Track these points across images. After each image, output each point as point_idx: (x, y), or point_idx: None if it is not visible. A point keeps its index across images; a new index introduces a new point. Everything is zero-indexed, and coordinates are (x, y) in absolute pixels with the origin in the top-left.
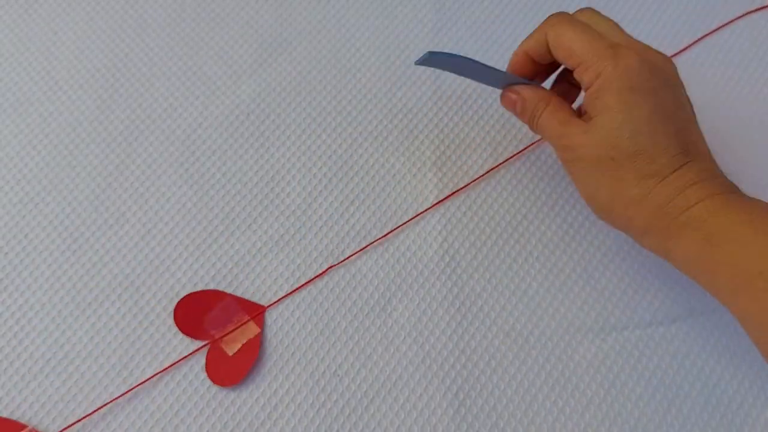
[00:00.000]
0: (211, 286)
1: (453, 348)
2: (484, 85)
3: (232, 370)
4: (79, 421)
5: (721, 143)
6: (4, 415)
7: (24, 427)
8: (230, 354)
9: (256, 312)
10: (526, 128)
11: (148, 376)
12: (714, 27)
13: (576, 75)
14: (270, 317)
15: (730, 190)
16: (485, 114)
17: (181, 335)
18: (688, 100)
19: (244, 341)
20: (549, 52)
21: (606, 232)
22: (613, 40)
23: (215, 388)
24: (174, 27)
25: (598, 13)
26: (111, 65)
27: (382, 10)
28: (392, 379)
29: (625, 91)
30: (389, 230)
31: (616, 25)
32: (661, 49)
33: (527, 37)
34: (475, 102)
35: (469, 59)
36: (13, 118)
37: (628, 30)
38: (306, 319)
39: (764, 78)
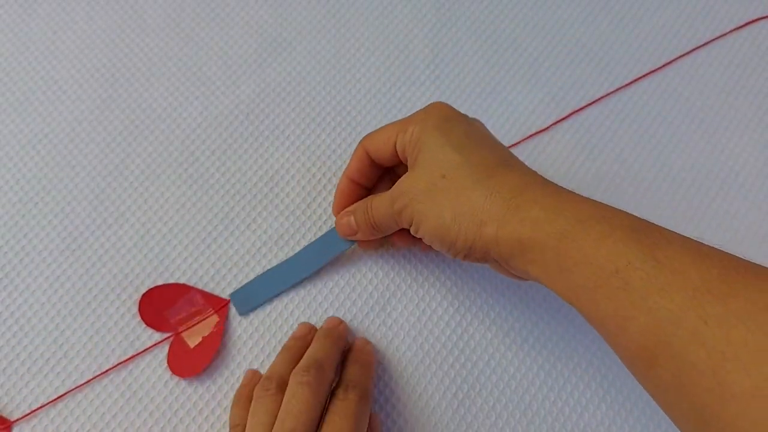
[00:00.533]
0: (211, 286)
1: (452, 348)
2: (483, 85)
3: (192, 361)
4: (42, 407)
5: (721, 146)
6: (4, 414)
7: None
8: (191, 346)
9: (219, 305)
10: (525, 126)
11: (111, 366)
12: (717, 34)
13: (400, 154)
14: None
15: (569, 190)
16: (485, 114)
17: None
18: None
19: (206, 334)
20: (372, 164)
21: None
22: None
23: (176, 379)
24: (173, 27)
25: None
26: (111, 65)
27: (382, 10)
28: (393, 378)
29: (441, 120)
30: None
31: None
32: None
33: (346, 168)
34: (475, 102)
35: (276, 267)
36: (12, 118)
37: (630, 30)
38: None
39: (765, 75)
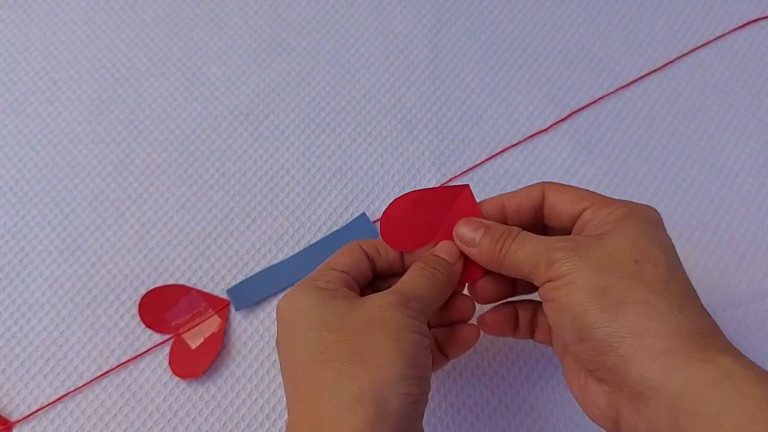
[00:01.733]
0: (210, 286)
1: None
2: (483, 86)
3: (194, 363)
4: (42, 408)
5: (721, 147)
6: (4, 415)
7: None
8: (193, 347)
9: (220, 306)
10: (524, 126)
11: (111, 368)
12: (717, 34)
13: (585, 222)
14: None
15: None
16: (484, 114)
17: None
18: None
19: (208, 335)
20: (535, 210)
21: None
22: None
23: (176, 380)
24: (173, 27)
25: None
26: (110, 66)
27: (382, 10)
28: None
29: (652, 219)
30: None
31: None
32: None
33: (511, 194)
34: (474, 102)
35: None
36: (12, 118)
37: (630, 31)
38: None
39: (764, 76)
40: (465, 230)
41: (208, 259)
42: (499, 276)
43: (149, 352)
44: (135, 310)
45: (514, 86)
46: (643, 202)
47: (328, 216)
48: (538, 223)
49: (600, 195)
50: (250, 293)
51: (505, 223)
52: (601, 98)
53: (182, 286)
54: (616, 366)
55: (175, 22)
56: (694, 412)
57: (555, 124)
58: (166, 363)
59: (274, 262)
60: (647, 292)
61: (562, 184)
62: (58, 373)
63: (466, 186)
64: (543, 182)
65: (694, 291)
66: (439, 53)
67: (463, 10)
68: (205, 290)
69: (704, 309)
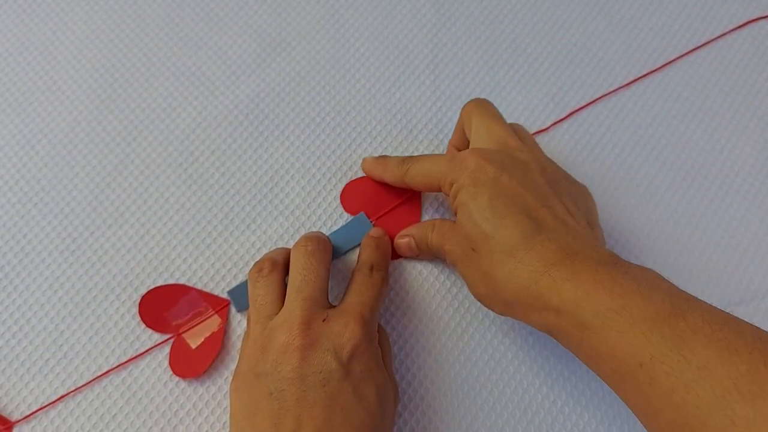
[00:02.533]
0: (210, 286)
1: (452, 348)
2: (483, 86)
3: (194, 362)
4: (42, 408)
5: (720, 146)
6: (4, 415)
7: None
8: (193, 347)
9: (220, 306)
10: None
11: (111, 368)
12: (717, 34)
13: (444, 193)
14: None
15: (596, 261)
16: None
17: None
18: (551, 174)
19: (208, 335)
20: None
21: (605, 230)
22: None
23: (176, 380)
24: (173, 27)
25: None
26: (110, 65)
27: (381, 10)
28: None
29: (471, 183)
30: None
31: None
32: (663, 54)
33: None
34: None
35: None
36: (12, 118)
37: (630, 31)
38: None
39: (764, 76)
40: (401, 243)
41: (208, 258)
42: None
43: (149, 351)
44: (135, 310)
45: (514, 86)
46: (643, 202)
47: (328, 216)
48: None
49: (438, 169)
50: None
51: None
52: (600, 98)
53: (182, 286)
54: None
55: (175, 22)
56: (557, 335)
57: (555, 123)
58: (166, 363)
59: None
60: (493, 270)
61: (415, 162)
62: (58, 373)
63: None
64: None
65: (523, 227)
66: (439, 53)
67: (463, 10)
68: (205, 290)
69: (534, 253)
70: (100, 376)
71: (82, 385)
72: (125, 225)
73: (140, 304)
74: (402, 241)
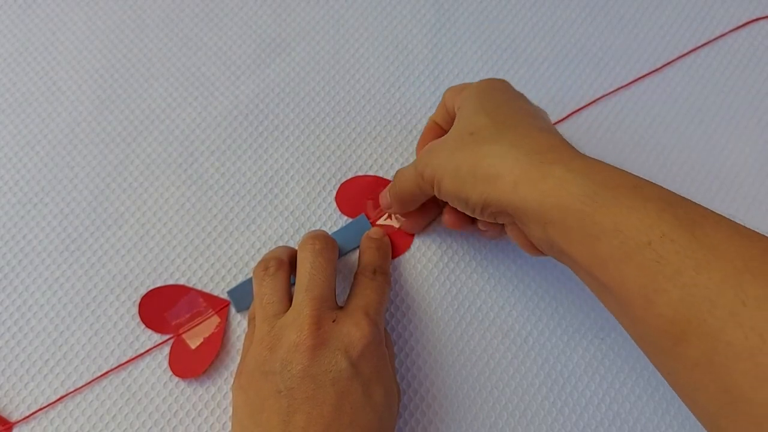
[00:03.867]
0: (210, 286)
1: (452, 348)
2: None
3: (193, 363)
4: (42, 409)
5: (720, 147)
6: (4, 415)
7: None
8: (193, 347)
9: (219, 306)
10: None
11: (110, 368)
12: (716, 35)
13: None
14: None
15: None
16: None
17: None
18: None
19: (207, 335)
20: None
21: None
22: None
23: (175, 380)
24: (173, 27)
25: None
26: (110, 65)
27: (381, 11)
28: None
29: (485, 89)
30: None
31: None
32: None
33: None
34: None
35: None
36: (12, 119)
37: (629, 31)
38: None
39: (763, 76)
40: (381, 202)
41: (207, 259)
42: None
43: (149, 352)
44: (135, 310)
45: (514, 86)
46: None
47: (327, 216)
48: None
49: (465, 84)
50: (251, 294)
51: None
52: (600, 98)
53: (181, 286)
54: (499, 211)
55: (174, 23)
56: (550, 221)
57: (555, 124)
58: (165, 363)
59: None
60: (485, 149)
61: (454, 85)
62: (58, 374)
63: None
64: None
65: (532, 124)
66: (438, 53)
67: (462, 11)
68: (205, 290)
69: (542, 133)
70: (100, 376)
71: (82, 386)
72: (125, 225)
73: (140, 304)
74: (381, 196)
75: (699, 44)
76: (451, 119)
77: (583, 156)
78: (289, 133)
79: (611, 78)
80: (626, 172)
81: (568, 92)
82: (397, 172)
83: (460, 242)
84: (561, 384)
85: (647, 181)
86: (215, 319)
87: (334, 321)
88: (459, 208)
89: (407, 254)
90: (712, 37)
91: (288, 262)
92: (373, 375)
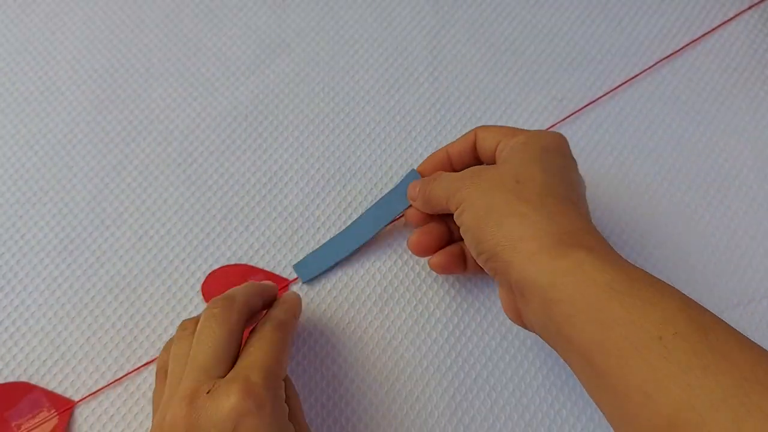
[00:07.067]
0: None
1: (450, 350)
2: (482, 88)
3: None
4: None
5: (718, 151)
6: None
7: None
8: None
9: (63, 407)
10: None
11: (117, 379)
12: (710, 28)
13: (496, 155)
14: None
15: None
16: (483, 115)
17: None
18: (579, 177)
19: None
20: (473, 151)
21: (603, 233)
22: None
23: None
24: (172, 28)
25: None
26: (109, 66)
27: (381, 12)
28: (389, 379)
29: (548, 146)
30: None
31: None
32: (657, 50)
33: (452, 142)
34: (473, 104)
35: (335, 238)
36: (11, 119)
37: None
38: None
39: (762, 77)
40: (408, 191)
41: (206, 260)
42: (432, 228)
43: (153, 361)
44: (133, 311)
45: (513, 88)
46: (641, 204)
47: (326, 217)
48: (479, 164)
49: (515, 128)
50: (314, 266)
51: (453, 169)
52: (599, 98)
53: (25, 384)
54: (504, 269)
55: (174, 23)
56: (557, 299)
57: (554, 125)
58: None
59: (273, 263)
60: (524, 206)
61: (490, 125)
62: (56, 374)
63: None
64: (477, 127)
65: (575, 202)
66: (438, 55)
67: (462, 12)
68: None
69: (579, 216)
70: (102, 382)
71: (86, 395)
72: (123, 226)
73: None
74: (412, 191)
75: (694, 38)
76: (471, 158)
77: (607, 244)
78: (288, 134)
79: (610, 80)
80: (645, 271)
81: (567, 93)
82: (441, 173)
83: None
84: (558, 385)
85: (665, 282)
86: (55, 422)
87: (209, 392)
88: (466, 242)
89: (405, 255)
90: (708, 30)
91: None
92: None
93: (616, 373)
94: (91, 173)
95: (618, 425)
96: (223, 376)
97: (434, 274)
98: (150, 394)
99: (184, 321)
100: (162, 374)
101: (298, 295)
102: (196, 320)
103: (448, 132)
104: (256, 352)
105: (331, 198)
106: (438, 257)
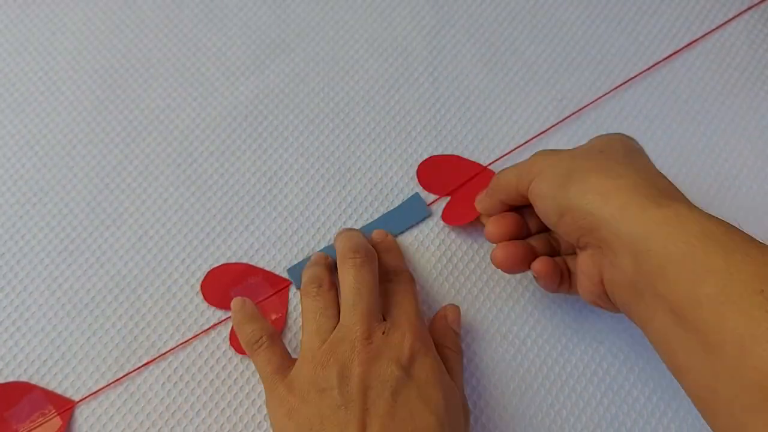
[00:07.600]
0: None
1: None
2: (482, 88)
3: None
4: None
5: (718, 151)
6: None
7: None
8: None
9: (64, 407)
10: (523, 129)
11: (118, 379)
12: (710, 28)
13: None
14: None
15: None
16: (483, 116)
17: (176, 337)
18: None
19: None
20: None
21: None
22: None
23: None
24: (172, 27)
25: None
26: (109, 65)
27: (380, 12)
28: None
29: (611, 136)
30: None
31: None
32: (657, 50)
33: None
34: (473, 104)
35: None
36: (10, 119)
37: (629, 32)
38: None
39: (763, 77)
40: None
41: (206, 260)
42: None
43: (156, 361)
44: (132, 311)
45: (513, 88)
46: None
47: (326, 217)
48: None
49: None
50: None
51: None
52: (599, 98)
53: (25, 384)
54: (592, 225)
55: (174, 23)
56: (651, 251)
57: (554, 125)
58: (170, 371)
59: (273, 264)
60: (611, 162)
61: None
62: (56, 374)
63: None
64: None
65: (657, 171)
66: (438, 55)
67: (461, 13)
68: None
69: (666, 179)
70: (102, 386)
71: (86, 395)
72: (123, 226)
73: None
74: (479, 196)
75: (695, 38)
76: (519, 198)
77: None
78: (288, 134)
79: (610, 80)
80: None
81: (567, 94)
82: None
83: (459, 244)
84: (558, 386)
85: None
86: (57, 422)
87: (383, 333)
88: (545, 213)
89: (406, 255)
90: (708, 30)
91: (334, 280)
92: (429, 378)
93: (710, 326)
94: (92, 173)
95: (708, 383)
96: (381, 321)
97: (434, 273)
98: (150, 394)
99: (314, 278)
100: (313, 287)
101: (386, 233)
102: (327, 279)
103: (448, 132)
104: (405, 302)
105: (330, 198)
106: (540, 264)
